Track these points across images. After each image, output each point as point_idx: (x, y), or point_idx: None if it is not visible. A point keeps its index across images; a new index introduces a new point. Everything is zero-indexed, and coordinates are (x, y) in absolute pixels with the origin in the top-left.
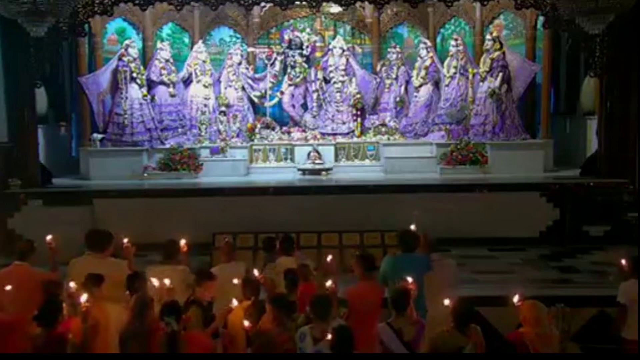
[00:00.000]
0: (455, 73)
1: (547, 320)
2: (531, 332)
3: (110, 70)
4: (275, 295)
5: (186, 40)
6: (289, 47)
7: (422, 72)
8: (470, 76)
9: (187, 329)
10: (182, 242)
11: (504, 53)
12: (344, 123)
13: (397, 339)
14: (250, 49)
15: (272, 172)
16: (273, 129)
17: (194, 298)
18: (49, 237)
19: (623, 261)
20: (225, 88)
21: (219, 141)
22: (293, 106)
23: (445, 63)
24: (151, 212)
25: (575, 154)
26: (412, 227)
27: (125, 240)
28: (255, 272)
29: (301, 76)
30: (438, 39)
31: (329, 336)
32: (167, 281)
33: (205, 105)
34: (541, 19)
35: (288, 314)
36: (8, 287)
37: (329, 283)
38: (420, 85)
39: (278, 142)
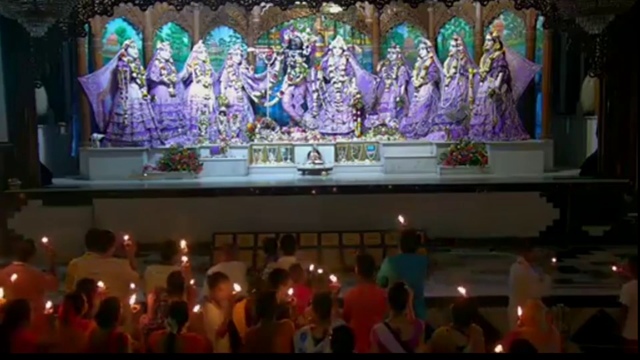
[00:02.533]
0: (455, 73)
1: (545, 320)
2: (530, 332)
3: (110, 70)
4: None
5: (186, 40)
6: (289, 47)
7: (422, 72)
8: (470, 76)
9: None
10: (183, 243)
11: (504, 53)
12: (344, 123)
13: (394, 339)
14: (250, 49)
15: (272, 172)
16: (273, 129)
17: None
18: (45, 239)
19: (615, 268)
20: (225, 88)
21: (219, 141)
22: (293, 106)
23: (445, 63)
24: (151, 212)
25: (575, 154)
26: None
27: (126, 237)
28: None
29: (301, 76)
30: (438, 39)
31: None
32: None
33: (205, 105)
34: (541, 19)
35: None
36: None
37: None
38: (420, 85)
39: (278, 142)
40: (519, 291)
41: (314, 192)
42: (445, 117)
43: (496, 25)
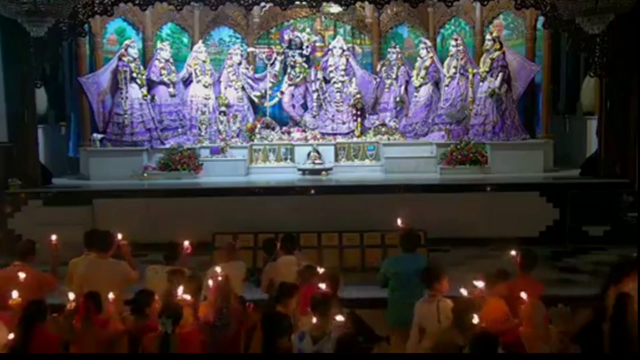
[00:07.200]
0: (455, 73)
1: (544, 320)
2: (527, 332)
3: (110, 70)
4: None
5: (186, 40)
6: (289, 47)
7: (422, 72)
8: (470, 76)
9: None
10: (186, 243)
11: (504, 53)
12: (344, 123)
13: None
14: (250, 49)
15: (272, 172)
16: (273, 129)
17: None
18: (53, 237)
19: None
20: (225, 88)
21: (219, 141)
22: (293, 106)
23: (445, 63)
24: (151, 212)
25: (575, 154)
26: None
27: (120, 237)
28: None
29: (301, 76)
30: (438, 39)
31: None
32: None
33: (205, 105)
34: (541, 19)
35: None
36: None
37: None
38: (420, 85)
39: (278, 142)
40: None
41: (313, 192)
42: (445, 117)
43: (496, 25)
